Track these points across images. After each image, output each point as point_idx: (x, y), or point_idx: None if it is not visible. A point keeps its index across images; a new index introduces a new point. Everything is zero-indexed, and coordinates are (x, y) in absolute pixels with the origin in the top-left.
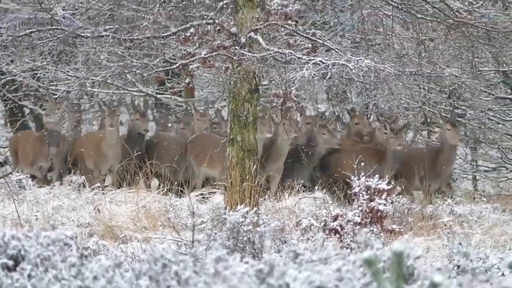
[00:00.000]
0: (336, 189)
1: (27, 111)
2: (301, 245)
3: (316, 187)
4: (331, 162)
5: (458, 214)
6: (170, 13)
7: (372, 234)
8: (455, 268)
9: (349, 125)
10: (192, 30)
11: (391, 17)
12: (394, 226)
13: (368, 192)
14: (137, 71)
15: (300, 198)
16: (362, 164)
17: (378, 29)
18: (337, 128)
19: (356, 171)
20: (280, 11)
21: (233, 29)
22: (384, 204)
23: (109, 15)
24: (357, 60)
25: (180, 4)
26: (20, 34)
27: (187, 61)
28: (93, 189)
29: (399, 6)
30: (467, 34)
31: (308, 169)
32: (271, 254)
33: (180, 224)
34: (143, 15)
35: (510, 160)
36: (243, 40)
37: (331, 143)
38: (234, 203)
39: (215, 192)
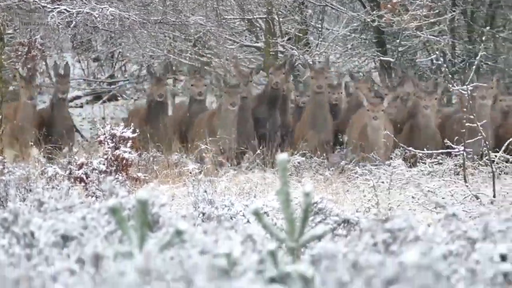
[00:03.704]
0: None
1: None
2: (46, 193)
3: None
4: None
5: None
6: None
7: (117, 182)
8: (200, 215)
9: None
10: None
11: None
12: (140, 174)
13: (114, 140)
14: None
15: (45, 146)
16: None
17: None
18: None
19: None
20: None
21: None
22: (130, 152)
23: None
24: (102, 8)
25: None
26: None
27: None
28: None
29: None
30: None
31: None
32: (16, 202)
33: None
34: None
35: None
36: None
37: None
38: None
39: None
